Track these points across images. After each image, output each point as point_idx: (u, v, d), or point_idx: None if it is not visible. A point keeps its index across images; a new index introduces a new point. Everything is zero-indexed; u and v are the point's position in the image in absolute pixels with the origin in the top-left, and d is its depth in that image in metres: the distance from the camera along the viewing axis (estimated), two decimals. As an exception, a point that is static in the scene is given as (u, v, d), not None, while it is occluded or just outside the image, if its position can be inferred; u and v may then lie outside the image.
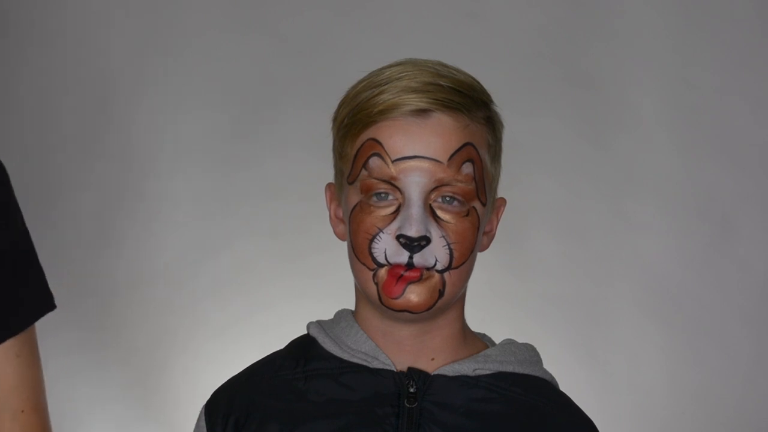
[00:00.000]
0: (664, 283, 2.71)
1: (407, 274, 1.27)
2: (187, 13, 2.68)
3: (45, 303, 1.42)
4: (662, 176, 2.72)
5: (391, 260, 1.27)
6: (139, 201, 2.58)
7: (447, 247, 1.27)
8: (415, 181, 1.27)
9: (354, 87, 1.33)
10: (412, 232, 1.26)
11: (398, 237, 1.26)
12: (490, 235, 1.36)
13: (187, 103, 2.69)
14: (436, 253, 1.27)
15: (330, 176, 1.37)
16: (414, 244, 1.26)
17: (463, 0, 2.74)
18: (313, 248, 2.59)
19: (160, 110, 2.68)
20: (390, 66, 1.33)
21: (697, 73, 2.73)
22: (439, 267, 1.27)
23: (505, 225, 1.42)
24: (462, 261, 1.28)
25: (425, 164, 1.27)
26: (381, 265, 1.28)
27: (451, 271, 1.28)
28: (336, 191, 1.36)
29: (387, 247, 1.27)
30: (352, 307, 1.38)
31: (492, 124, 1.33)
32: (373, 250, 1.28)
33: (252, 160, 2.69)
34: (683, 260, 2.72)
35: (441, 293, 1.28)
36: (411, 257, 1.26)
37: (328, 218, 1.37)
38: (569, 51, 2.73)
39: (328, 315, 1.40)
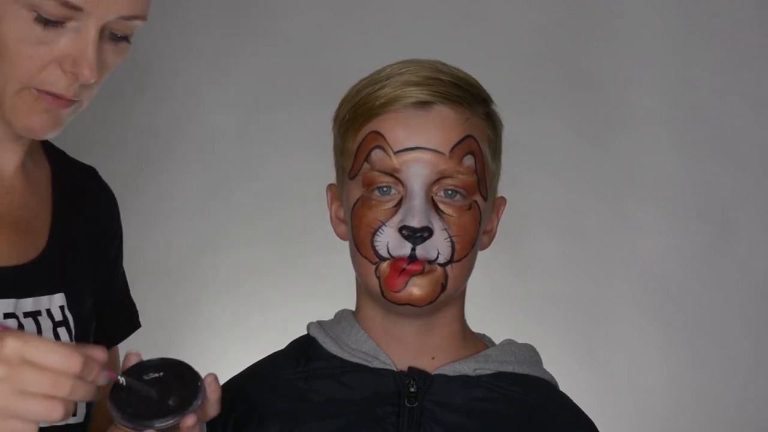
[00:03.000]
0: (664, 283, 2.72)
1: (409, 267, 1.27)
2: (190, 13, 2.69)
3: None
4: (662, 176, 2.73)
5: (394, 253, 1.27)
6: (142, 201, 2.58)
7: (449, 239, 1.27)
8: (417, 173, 1.27)
9: (355, 85, 1.34)
10: (415, 222, 1.25)
11: (401, 229, 1.26)
12: (491, 234, 1.36)
13: (190, 103, 2.69)
14: (438, 246, 1.27)
15: (334, 177, 1.38)
16: (416, 236, 1.26)
17: (463, 0, 2.74)
18: (315, 249, 2.59)
19: (164, 110, 2.68)
20: (390, 65, 1.33)
21: (697, 73, 2.73)
22: (441, 260, 1.27)
23: (505, 225, 1.42)
24: (464, 254, 1.28)
25: (427, 155, 1.27)
26: (383, 259, 1.27)
27: (453, 265, 1.28)
28: (337, 191, 1.36)
29: (389, 240, 1.27)
30: (354, 308, 1.38)
31: (492, 120, 1.33)
32: (376, 243, 1.28)
33: (256, 161, 2.69)
34: (683, 260, 2.72)
35: (443, 287, 1.28)
36: (413, 249, 1.26)
37: (329, 219, 1.37)
38: (569, 51, 2.73)
39: (330, 316, 1.40)
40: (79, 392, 1.03)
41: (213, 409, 1.16)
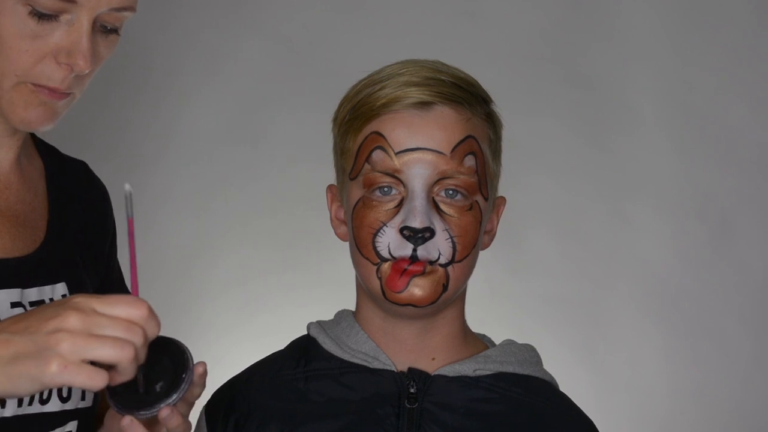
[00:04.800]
0: (663, 284, 2.72)
1: (411, 267, 1.26)
2: (186, 14, 2.69)
3: None
4: (661, 177, 2.73)
5: (395, 254, 1.27)
6: (141, 202, 2.58)
7: (450, 240, 1.27)
8: (418, 174, 1.27)
9: (354, 86, 1.33)
10: (416, 223, 1.25)
11: (402, 229, 1.26)
12: (491, 234, 1.36)
13: (189, 104, 2.69)
14: (439, 246, 1.27)
15: (333, 177, 1.37)
16: (418, 236, 1.26)
17: (463, 0, 2.74)
18: (315, 249, 2.59)
19: (162, 110, 2.68)
20: (390, 65, 1.33)
21: (695, 73, 2.73)
22: (442, 261, 1.27)
23: (505, 225, 1.41)
24: (465, 254, 1.28)
25: (428, 156, 1.27)
26: (385, 260, 1.27)
27: (455, 265, 1.28)
28: (337, 191, 1.36)
29: (391, 241, 1.27)
30: (353, 309, 1.38)
31: (492, 120, 1.33)
32: (377, 244, 1.27)
33: (255, 162, 2.69)
34: (682, 260, 2.72)
35: (445, 287, 1.28)
36: (415, 250, 1.26)
37: (329, 220, 1.37)
38: (568, 51, 2.73)
39: (329, 316, 1.40)
40: (149, 334, 1.07)
41: (198, 391, 1.16)
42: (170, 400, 1.11)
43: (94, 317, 1.04)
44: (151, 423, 1.16)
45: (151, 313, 1.07)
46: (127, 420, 1.12)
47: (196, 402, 1.37)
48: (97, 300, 1.06)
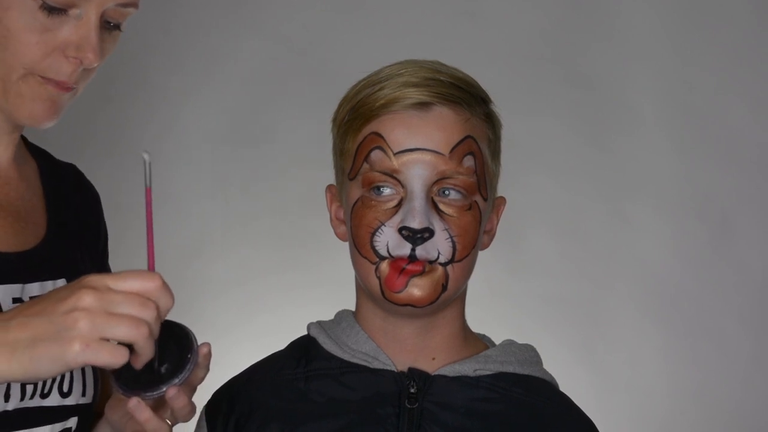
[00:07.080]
0: (663, 284, 2.72)
1: (409, 267, 1.26)
2: (186, 13, 2.69)
3: None
4: (660, 177, 2.73)
5: (394, 253, 1.27)
6: (141, 201, 2.58)
7: (450, 240, 1.27)
8: (417, 174, 1.27)
9: (354, 86, 1.34)
10: (415, 224, 1.25)
11: (401, 229, 1.26)
12: (491, 234, 1.36)
13: (189, 104, 2.69)
14: (438, 246, 1.27)
15: (332, 177, 1.38)
16: (417, 236, 1.26)
17: (463, 0, 2.74)
18: (315, 250, 2.59)
19: (162, 110, 2.68)
20: (389, 65, 1.33)
21: (695, 73, 2.73)
22: (442, 260, 1.27)
23: (504, 225, 1.42)
24: (465, 254, 1.28)
25: (427, 157, 1.27)
26: (383, 258, 1.27)
27: (454, 265, 1.28)
28: (336, 192, 1.36)
29: (389, 240, 1.27)
30: (353, 309, 1.38)
31: (491, 120, 1.33)
32: (375, 243, 1.27)
33: (255, 162, 2.69)
34: (682, 261, 2.72)
35: (444, 287, 1.28)
36: (413, 249, 1.26)
37: (329, 220, 1.37)
38: (568, 51, 2.73)
39: (330, 316, 1.40)
40: (162, 307, 1.08)
41: (202, 373, 1.17)
42: (176, 380, 1.12)
43: (109, 294, 1.05)
44: (157, 405, 1.17)
45: (165, 285, 1.08)
46: (134, 402, 1.13)
47: (198, 402, 1.37)
48: (110, 277, 1.07)
